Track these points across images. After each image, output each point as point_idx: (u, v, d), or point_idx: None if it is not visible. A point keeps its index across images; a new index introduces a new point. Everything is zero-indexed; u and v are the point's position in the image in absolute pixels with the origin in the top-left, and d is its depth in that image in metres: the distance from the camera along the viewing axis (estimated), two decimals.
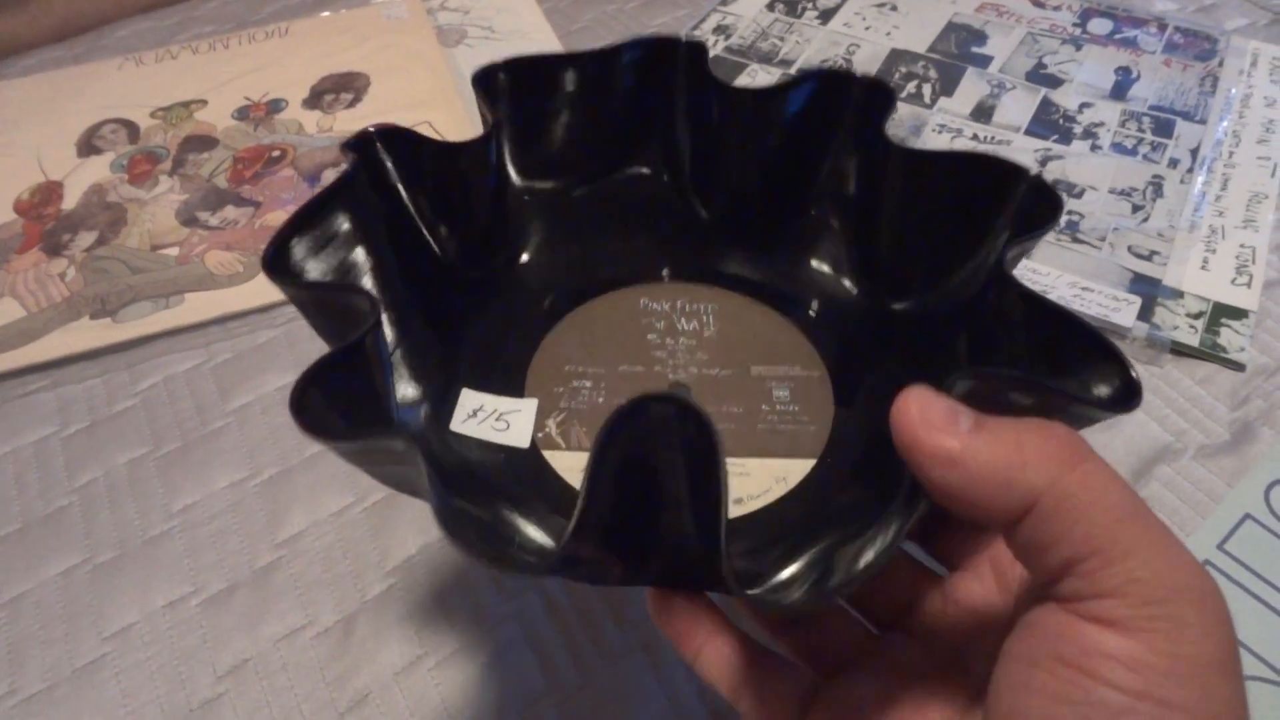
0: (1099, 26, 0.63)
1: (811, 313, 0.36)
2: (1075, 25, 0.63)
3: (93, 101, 0.62)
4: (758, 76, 0.60)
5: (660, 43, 0.35)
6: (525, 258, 0.37)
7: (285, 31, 0.67)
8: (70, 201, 0.55)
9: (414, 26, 0.66)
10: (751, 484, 0.31)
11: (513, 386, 0.33)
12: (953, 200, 0.31)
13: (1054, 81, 0.59)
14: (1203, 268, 0.48)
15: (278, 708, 0.35)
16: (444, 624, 0.37)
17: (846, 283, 0.36)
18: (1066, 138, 0.55)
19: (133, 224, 0.53)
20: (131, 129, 0.59)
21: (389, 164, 0.32)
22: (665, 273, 0.37)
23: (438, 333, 0.33)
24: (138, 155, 0.57)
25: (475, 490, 0.30)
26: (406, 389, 0.31)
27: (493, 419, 0.32)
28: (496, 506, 0.29)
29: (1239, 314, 0.46)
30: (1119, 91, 0.58)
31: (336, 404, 0.24)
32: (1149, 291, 0.46)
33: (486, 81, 0.34)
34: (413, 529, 0.40)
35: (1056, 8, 0.65)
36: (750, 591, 0.21)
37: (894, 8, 0.66)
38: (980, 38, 0.62)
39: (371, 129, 0.31)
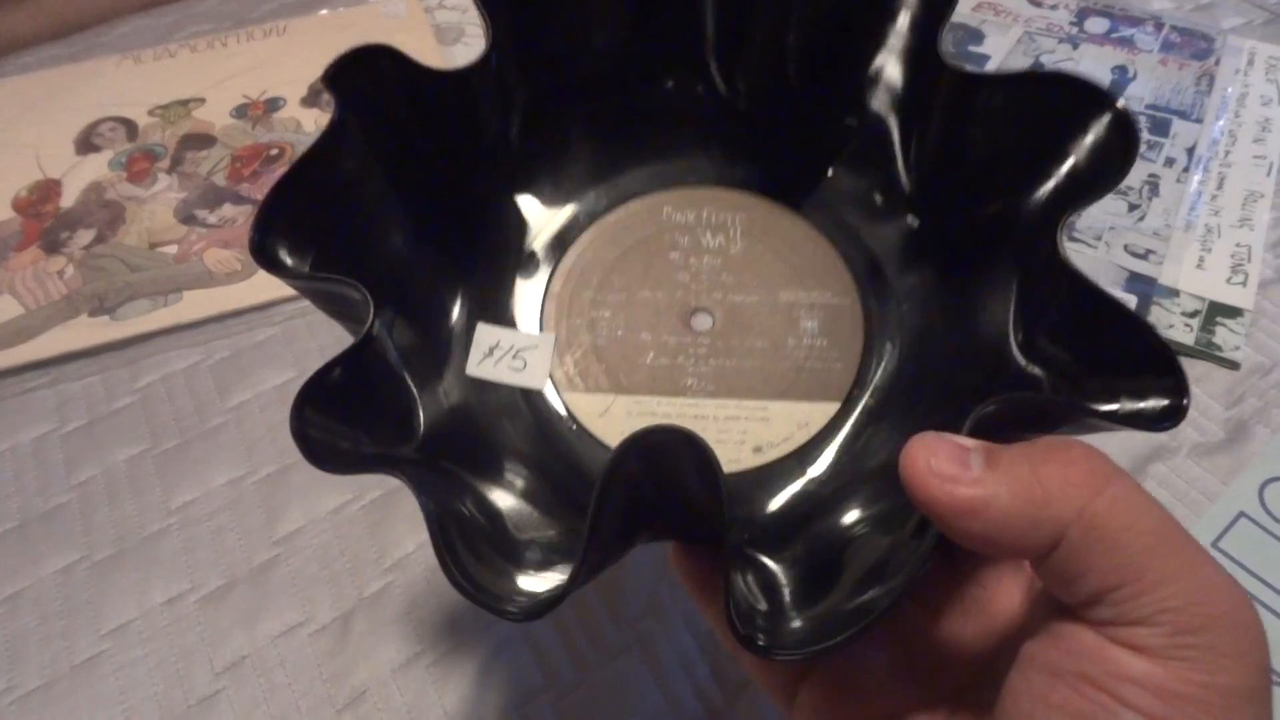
0: (1096, 25, 0.63)
1: (846, 226, 0.33)
2: (1072, 24, 0.63)
3: (91, 99, 0.62)
4: None
5: None
6: (541, 173, 0.34)
7: (283, 30, 0.67)
8: (69, 199, 0.55)
9: (412, 25, 0.66)
10: (771, 430, 0.30)
11: (530, 316, 0.32)
12: (1011, 129, 0.27)
13: None
14: (1198, 267, 0.48)
15: (275, 705, 0.35)
16: (441, 621, 0.37)
17: (879, 198, 0.33)
18: None
19: (131, 222, 0.53)
20: (130, 127, 0.59)
21: (380, 98, 0.28)
22: (691, 179, 0.34)
23: (453, 268, 0.32)
24: (136, 153, 0.57)
25: (486, 467, 0.28)
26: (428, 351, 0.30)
27: (509, 357, 0.31)
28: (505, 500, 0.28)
29: (1234, 313, 0.46)
30: (1116, 90, 0.58)
31: (339, 420, 0.23)
32: (1145, 290, 0.46)
33: None
34: (410, 526, 0.40)
35: (1053, 6, 0.65)
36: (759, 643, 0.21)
37: None
38: (977, 36, 0.62)
39: (353, 50, 0.27)
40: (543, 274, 0.33)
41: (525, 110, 0.32)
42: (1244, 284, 0.47)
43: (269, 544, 0.40)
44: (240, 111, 0.60)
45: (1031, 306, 0.26)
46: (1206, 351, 0.44)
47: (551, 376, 0.31)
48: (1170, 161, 0.53)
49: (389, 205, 0.29)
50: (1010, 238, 0.27)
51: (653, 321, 0.32)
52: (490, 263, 0.32)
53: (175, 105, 0.61)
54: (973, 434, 0.20)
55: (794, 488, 0.30)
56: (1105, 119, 0.24)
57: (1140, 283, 0.47)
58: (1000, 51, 0.61)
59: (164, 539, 0.40)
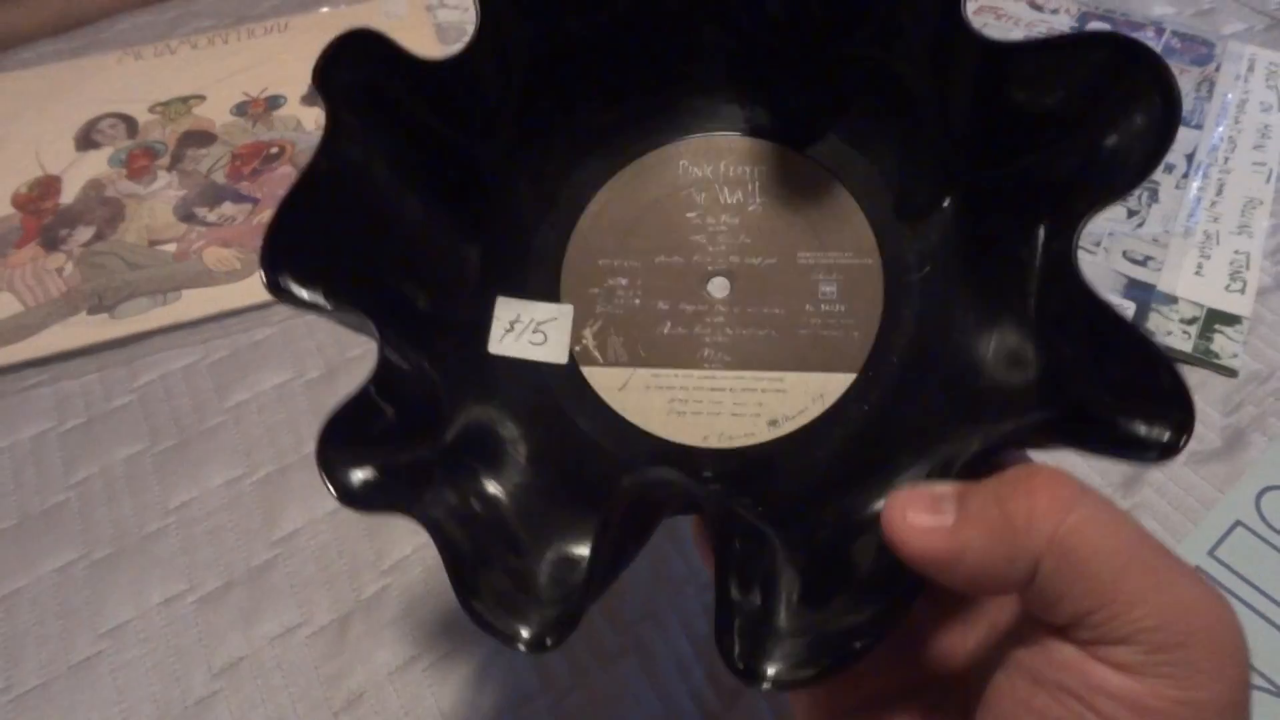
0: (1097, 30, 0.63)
1: (870, 180, 0.31)
2: (1073, 29, 0.63)
3: (91, 95, 0.62)
4: None
5: None
6: (548, 132, 0.32)
7: (285, 27, 0.66)
8: (68, 196, 0.55)
9: (413, 24, 0.66)
10: (786, 403, 0.30)
11: (548, 286, 0.31)
12: (1042, 93, 0.26)
13: None
14: (1197, 273, 0.48)
15: (272, 706, 0.36)
16: (438, 624, 0.37)
17: (905, 153, 0.31)
18: None
19: (131, 219, 0.53)
20: (130, 123, 0.59)
21: (370, 83, 0.27)
22: (709, 125, 0.33)
23: (467, 245, 0.31)
24: (136, 150, 0.57)
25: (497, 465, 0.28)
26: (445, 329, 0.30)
27: (529, 331, 0.31)
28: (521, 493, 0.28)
29: (1232, 320, 0.46)
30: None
31: (366, 449, 0.24)
32: (1143, 297, 0.46)
33: None
34: (408, 529, 0.40)
35: (1054, 11, 0.65)
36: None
37: None
38: None
39: (335, 40, 0.25)
40: (558, 241, 0.32)
41: (525, 78, 0.31)
42: (1242, 291, 0.47)
43: (267, 545, 0.40)
44: (241, 109, 0.60)
45: (1047, 308, 0.25)
46: (1204, 359, 0.44)
47: (571, 350, 0.31)
48: (1170, 167, 0.53)
49: (395, 194, 0.29)
50: (1036, 212, 0.26)
51: (670, 288, 0.31)
52: (504, 234, 0.32)
53: (176, 102, 0.61)
54: (969, 465, 0.20)
55: (807, 463, 0.29)
56: (1144, 76, 0.22)
57: (1139, 289, 0.47)
58: None
59: (162, 539, 0.40)
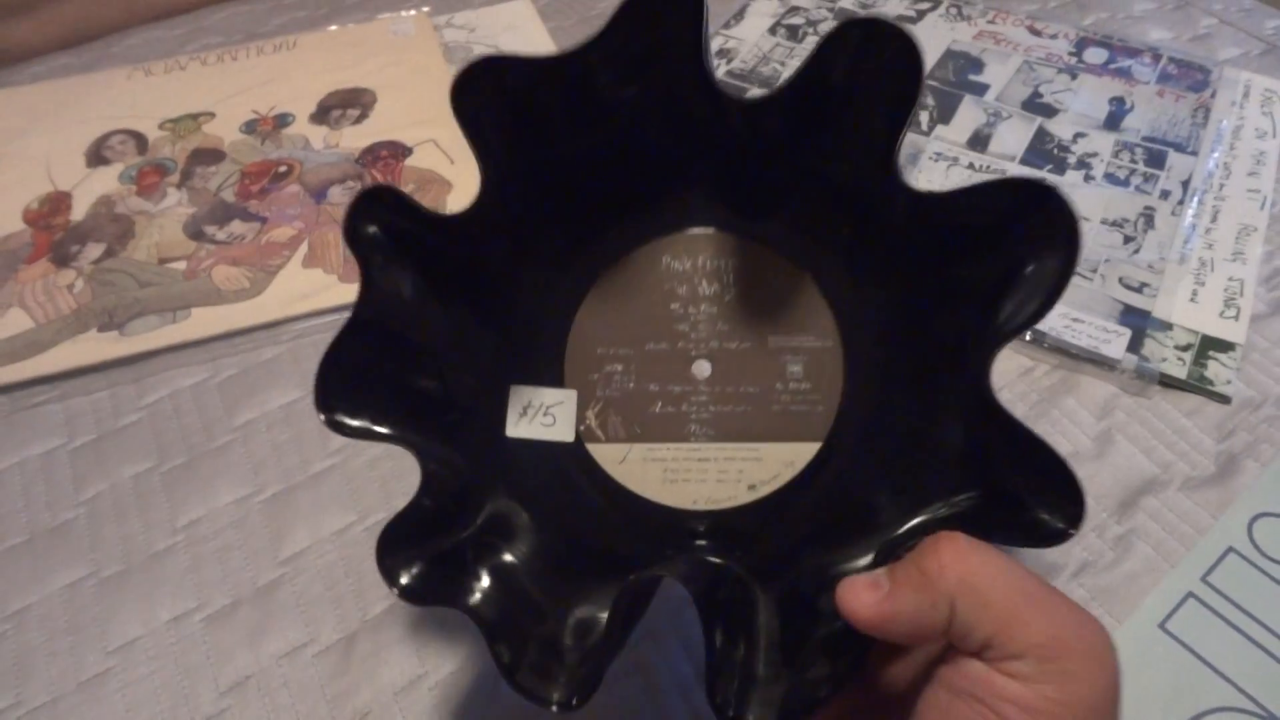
0: (1094, 56, 0.64)
1: (830, 274, 0.35)
2: (1071, 54, 0.64)
3: (101, 111, 0.62)
4: None
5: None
6: (546, 244, 0.36)
7: (293, 45, 0.67)
8: (79, 212, 0.55)
9: (421, 44, 0.67)
10: (762, 469, 0.34)
11: (554, 374, 0.35)
12: (963, 230, 0.30)
13: (1049, 111, 0.60)
14: (1192, 300, 0.49)
15: None
16: (444, 643, 0.38)
17: (859, 252, 0.35)
18: (1061, 168, 0.56)
19: (141, 236, 0.54)
20: (140, 140, 0.60)
21: (394, 235, 0.31)
22: (687, 223, 0.36)
23: (485, 346, 0.35)
24: (146, 167, 0.58)
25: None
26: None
27: (540, 415, 0.35)
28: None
29: (1226, 347, 0.47)
30: (1113, 122, 0.59)
31: (415, 551, 0.29)
32: (1139, 324, 0.47)
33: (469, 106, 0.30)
34: None
35: (1053, 36, 0.66)
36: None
37: None
38: (977, 65, 0.63)
39: (358, 197, 0.30)
40: (560, 333, 0.36)
41: (524, 201, 0.34)
42: (1236, 318, 0.48)
43: (274, 564, 0.41)
44: (250, 127, 0.61)
45: (973, 401, 0.29)
46: (1199, 385, 0.45)
47: (577, 429, 0.35)
48: (1165, 194, 0.54)
49: (419, 306, 0.32)
50: (966, 319, 0.30)
51: (659, 372, 0.35)
52: (513, 330, 0.35)
53: (185, 119, 0.61)
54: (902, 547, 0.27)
55: (782, 522, 0.34)
56: (1049, 208, 0.26)
57: (1134, 315, 0.47)
58: (1000, 81, 0.62)
59: (170, 556, 0.41)
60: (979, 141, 0.58)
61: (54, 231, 0.54)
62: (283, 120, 0.61)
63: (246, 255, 0.52)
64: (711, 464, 0.35)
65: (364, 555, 0.41)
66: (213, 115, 0.62)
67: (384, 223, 0.30)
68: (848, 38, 0.28)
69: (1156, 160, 0.56)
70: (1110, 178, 0.55)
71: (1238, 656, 0.37)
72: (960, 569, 0.24)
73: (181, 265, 0.52)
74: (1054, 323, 0.47)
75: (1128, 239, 0.51)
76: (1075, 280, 0.49)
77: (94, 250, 0.53)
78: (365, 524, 0.42)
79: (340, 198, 0.56)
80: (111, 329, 0.49)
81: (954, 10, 0.69)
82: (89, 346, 0.48)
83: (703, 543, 0.35)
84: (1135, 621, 0.38)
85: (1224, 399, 0.45)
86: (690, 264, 0.36)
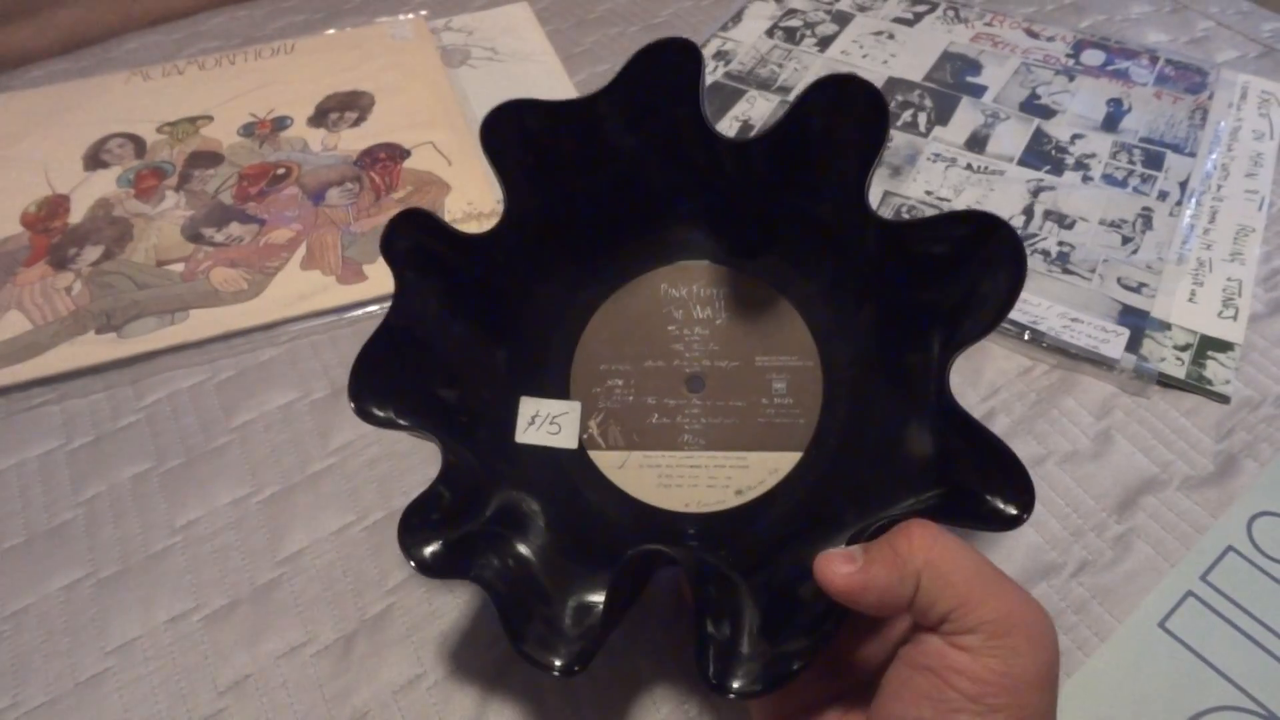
0: (1092, 58, 0.64)
1: (811, 302, 0.39)
2: (1068, 56, 0.64)
3: (99, 115, 0.62)
4: (756, 104, 0.61)
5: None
6: (561, 267, 0.40)
7: (291, 48, 0.67)
8: (77, 215, 0.55)
9: (418, 47, 0.67)
10: (749, 476, 0.38)
11: (560, 387, 0.39)
12: (928, 259, 0.34)
13: (1047, 112, 0.60)
14: (1190, 300, 0.49)
15: None
16: (442, 643, 0.38)
17: (837, 283, 0.39)
18: (1059, 169, 0.56)
19: (139, 239, 0.54)
20: (138, 143, 0.60)
21: (424, 252, 0.35)
22: (684, 255, 0.41)
23: (496, 352, 0.39)
24: (144, 170, 0.58)
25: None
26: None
27: (547, 424, 0.39)
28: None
29: (1225, 347, 0.47)
30: (1110, 123, 0.59)
31: (431, 533, 0.32)
32: (1137, 324, 0.47)
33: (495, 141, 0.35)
34: None
35: (1050, 38, 0.66)
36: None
37: (891, 36, 0.67)
38: (975, 67, 0.63)
39: (395, 217, 0.34)
40: (567, 350, 0.40)
41: (539, 231, 0.39)
42: (1234, 318, 0.48)
43: (272, 564, 0.40)
44: (248, 130, 0.61)
45: (939, 408, 0.32)
46: (1197, 385, 0.45)
47: (580, 438, 0.39)
48: (1163, 195, 0.54)
49: (443, 320, 0.36)
50: (932, 332, 0.34)
51: (656, 387, 0.39)
52: (525, 345, 0.39)
53: (183, 122, 0.62)
54: (876, 532, 0.29)
55: (765, 523, 0.37)
56: (1002, 241, 0.30)
57: (1133, 316, 0.48)
58: (997, 82, 0.62)
59: (168, 557, 0.41)
60: (977, 142, 0.58)
61: (52, 234, 0.54)
62: (281, 123, 0.61)
63: (244, 257, 0.52)
64: (702, 471, 0.38)
65: (362, 555, 0.41)
66: (211, 118, 0.62)
67: (416, 241, 0.34)
68: (824, 91, 0.33)
69: (1154, 161, 0.56)
70: (1108, 179, 0.55)
71: (1238, 655, 0.37)
72: (928, 551, 0.27)
73: (179, 267, 0.52)
74: (1053, 322, 0.47)
75: (1126, 239, 0.52)
76: (1074, 280, 0.49)
77: (92, 253, 0.53)
78: (363, 524, 0.41)
79: (338, 200, 0.56)
80: (109, 331, 0.49)
81: (951, 13, 0.69)
82: (87, 348, 0.48)
83: (694, 543, 0.37)
84: (1135, 621, 0.38)
85: (1223, 399, 0.45)
86: (686, 291, 0.40)
